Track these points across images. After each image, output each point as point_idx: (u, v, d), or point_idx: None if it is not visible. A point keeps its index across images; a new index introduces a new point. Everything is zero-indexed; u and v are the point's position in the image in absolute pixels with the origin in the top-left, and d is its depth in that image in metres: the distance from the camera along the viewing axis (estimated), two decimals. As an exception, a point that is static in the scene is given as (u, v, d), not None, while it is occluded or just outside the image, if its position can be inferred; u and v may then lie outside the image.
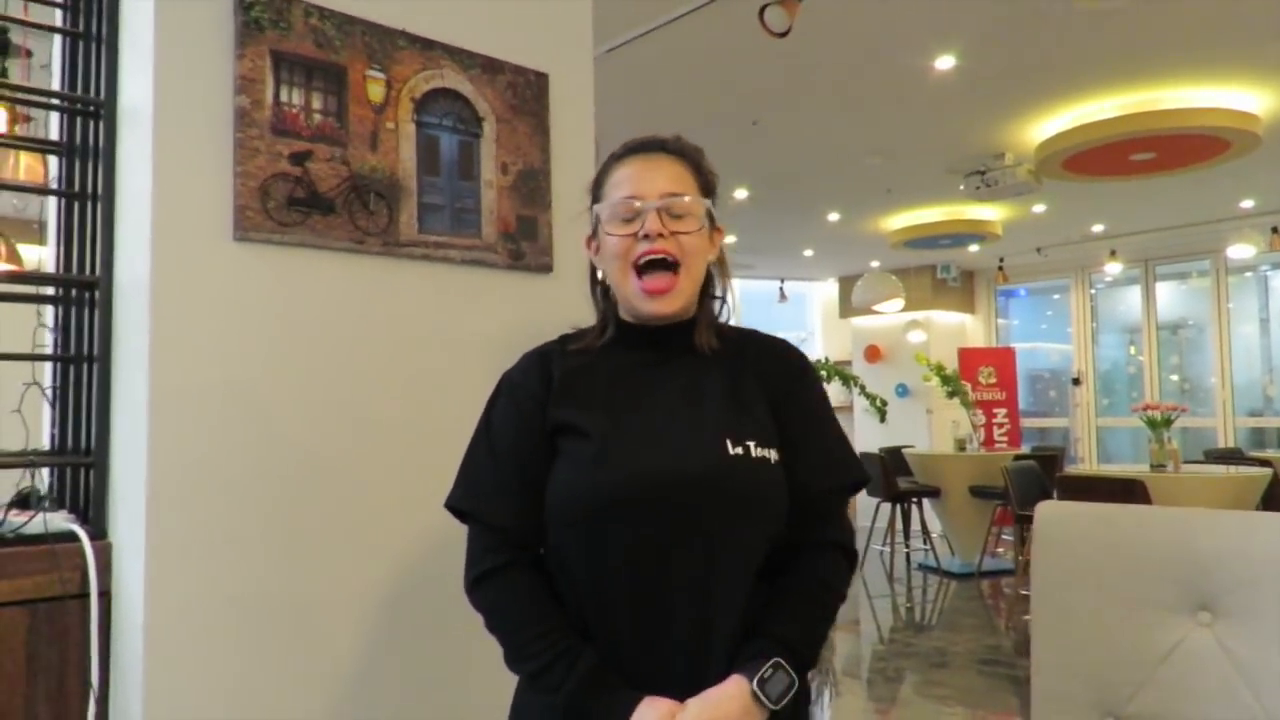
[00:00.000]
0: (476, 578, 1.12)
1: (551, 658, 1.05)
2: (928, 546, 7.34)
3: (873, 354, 9.80)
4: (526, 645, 1.07)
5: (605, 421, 1.10)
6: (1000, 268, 9.01)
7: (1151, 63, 4.29)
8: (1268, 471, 5.26)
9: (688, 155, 1.19)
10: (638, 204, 1.13)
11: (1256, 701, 1.06)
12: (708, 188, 1.20)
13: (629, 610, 1.06)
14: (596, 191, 1.20)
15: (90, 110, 1.56)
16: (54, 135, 1.63)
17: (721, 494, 1.06)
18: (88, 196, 1.55)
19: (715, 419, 1.11)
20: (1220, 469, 5.60)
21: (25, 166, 2.46)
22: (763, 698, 1.00)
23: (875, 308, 8.26)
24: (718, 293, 1.23)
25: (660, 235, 1.11)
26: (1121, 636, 1.17)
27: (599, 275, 1.21)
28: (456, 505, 1.15)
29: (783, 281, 10.06)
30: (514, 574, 1.11)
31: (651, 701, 1.01)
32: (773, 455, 1.10)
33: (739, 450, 1.07)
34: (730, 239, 8.08)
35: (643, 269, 1.12)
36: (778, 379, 1.17)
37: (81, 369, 1.53)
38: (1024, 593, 5.33)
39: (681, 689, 1.02)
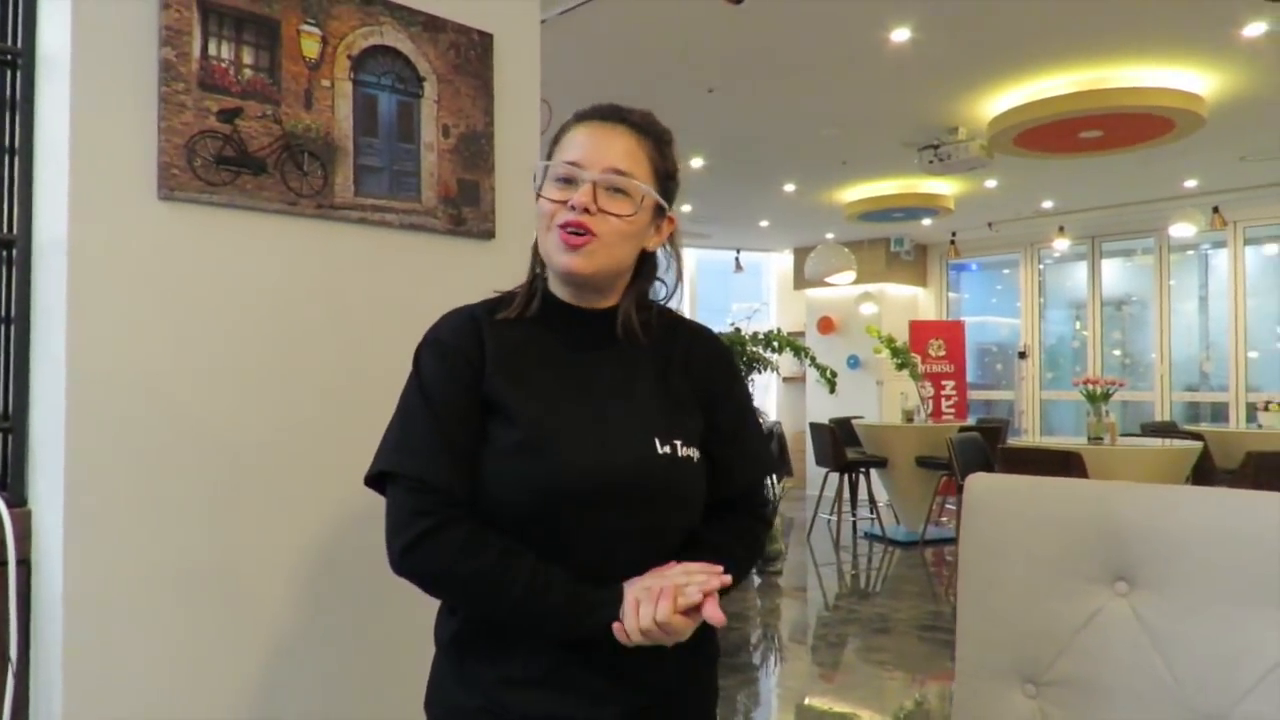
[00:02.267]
0: (409, 543, 1.02)
1: (528, 576, 1.00)
2: (874, 515, 7.48)
3: (825, 325, 9.89)
4: (497, 579, 1.00)
5: (536, 409, 1.06)
6: (952, 242, 9.13)
7: (1103, 40, 4.34)
8: (1198, 445, 5.44)
9: (649, 134, 1.13)
10: (577, 172, 1.08)
11: (1167, 669, 1.10)
12: (665, 174, 1.14)
13: None
14: (551, 150, 1.15)
15: (7, 59, 1.48)
16: (-33, 84, 1.55)
17: (646, 493, 1.06)
18: (4, 150, 1.48)
19: (644, 416, 1.10)
20: (1154, 442, 5.77)
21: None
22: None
23: (828, 280, 8.32)
24: (662, 276, 1.19)
25: (586, 210, 1.06)
26: (1043, 606, 1.20)
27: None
28: (382, 468, 1.05)
29: (739, 252, 10.08)
30: (454, 530, 1.02)
31: (629, 582, 1.02)
32: (695, 454, 1.11)
33: (666, 449, 1.08)
34: (686, 208, 8.06)
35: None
36: (709, 377, 1.18)
37: (-1, 330, 1.48)
38: (965, 560, 5.46)
39: (603, 653, 1.03)
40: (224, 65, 1.43)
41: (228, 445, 1.44)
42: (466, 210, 1.72)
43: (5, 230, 1.47)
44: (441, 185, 1.69)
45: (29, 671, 1.36)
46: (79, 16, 1.33)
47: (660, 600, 0.98)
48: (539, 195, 1.11)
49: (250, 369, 1.47)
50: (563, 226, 1.07)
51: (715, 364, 1.21)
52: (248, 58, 1.46)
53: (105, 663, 1.32)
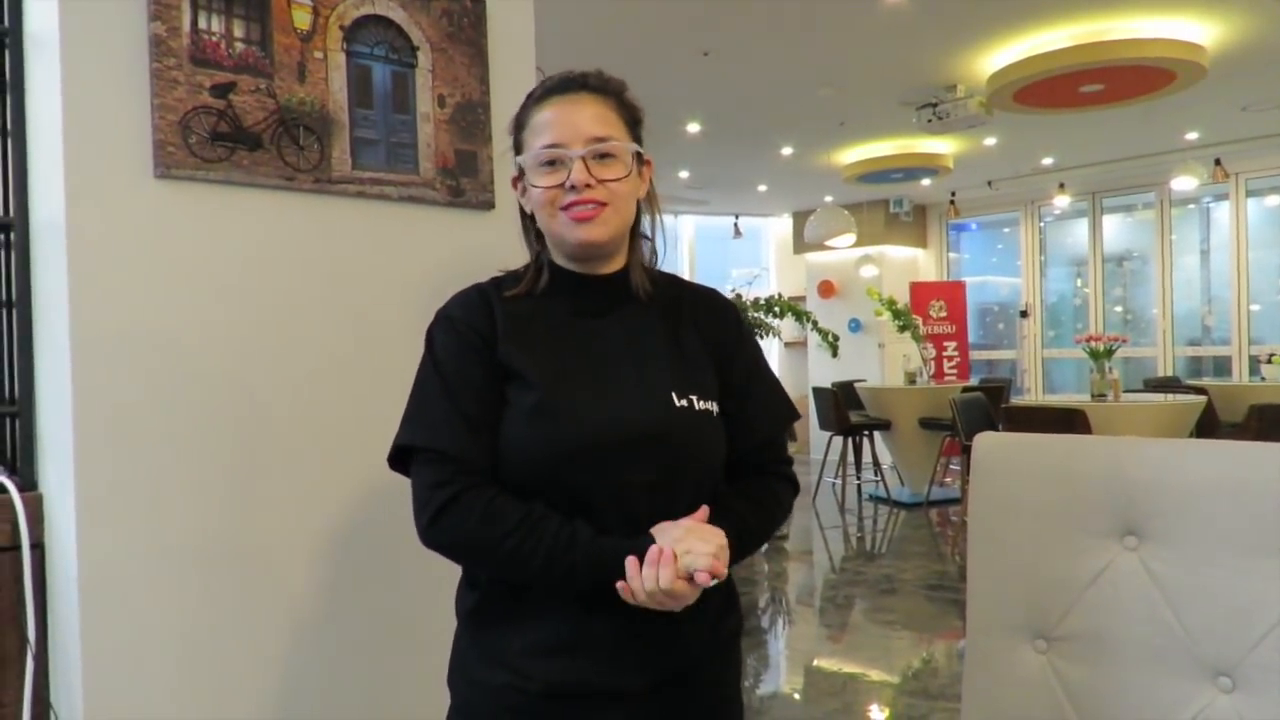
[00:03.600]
0: (433, 515, 1.02)
1: (553, 534, 1.00)
2: (878, 478, 7.52)
3: (826, 289, 9.87)
4: (520, 541, 1.00)
5: (552, 373, 1.07)
6: (952, 202, 9.07)
7: (1102, -8, 4.29)
8: (1202, 399, 5.45)
9: (610, 91, 1.13)
10: (562, 153, 1.08)
11: (1176, 619, 1.10)
12: (633, 121, 1.15)
13: None
14: (518, 135, 1.15)
15: (-7, 39, 1.46)
16: (-45, 66, 1.53)
17: (668, 447, 1.07)
18: (-4, 132, 1.47)
19: (661, 372, 1.11)
20: (1158, 397, 5.78)
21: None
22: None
23: (828, 243, 8.29)
24: (646, 232, 1.19)
25: (588, 185, 1.07)
26: (1053, 562, 1.20)
27: (529, 213, 1.17)
28: (403, 443, 1.06)
29: (737, 217, 10.03)
30: (474, 497, 1.02)
31: (656, 527, 1.03)
32: (714, 408, 1.12)
33: (684, 403, 1.09)
34: (683, 174, 8.01)
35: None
36: (718, 333, 1.19)
37: (1, 314, 1.47)
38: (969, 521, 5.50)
39: (626, 620, 1.03)
40: (215, 39, 1.41)
41: (233, 422, 1.44)
42: (465, 181, 1.71)
43: (2, 213, 1.45)
44: (439, 156, 1.67)
45: (47, 653, 1.37)
46: (66, -7, 1.31)
47: (662, 566, 0.97)
48: (530, 186, 1.11)
49: (253, 346, 1.47)
50: (567, 208, 1.08)
51: (723, 320, 1.22)
52: (239, 31, 1.44)
53: (122, 643, 1.33)
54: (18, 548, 1.35)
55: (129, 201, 1.35)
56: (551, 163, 1.09)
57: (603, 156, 1.09)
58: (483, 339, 1.09)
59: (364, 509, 1.58)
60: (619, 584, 0.98)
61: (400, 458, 1.09)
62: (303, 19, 1.51)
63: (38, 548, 1.37)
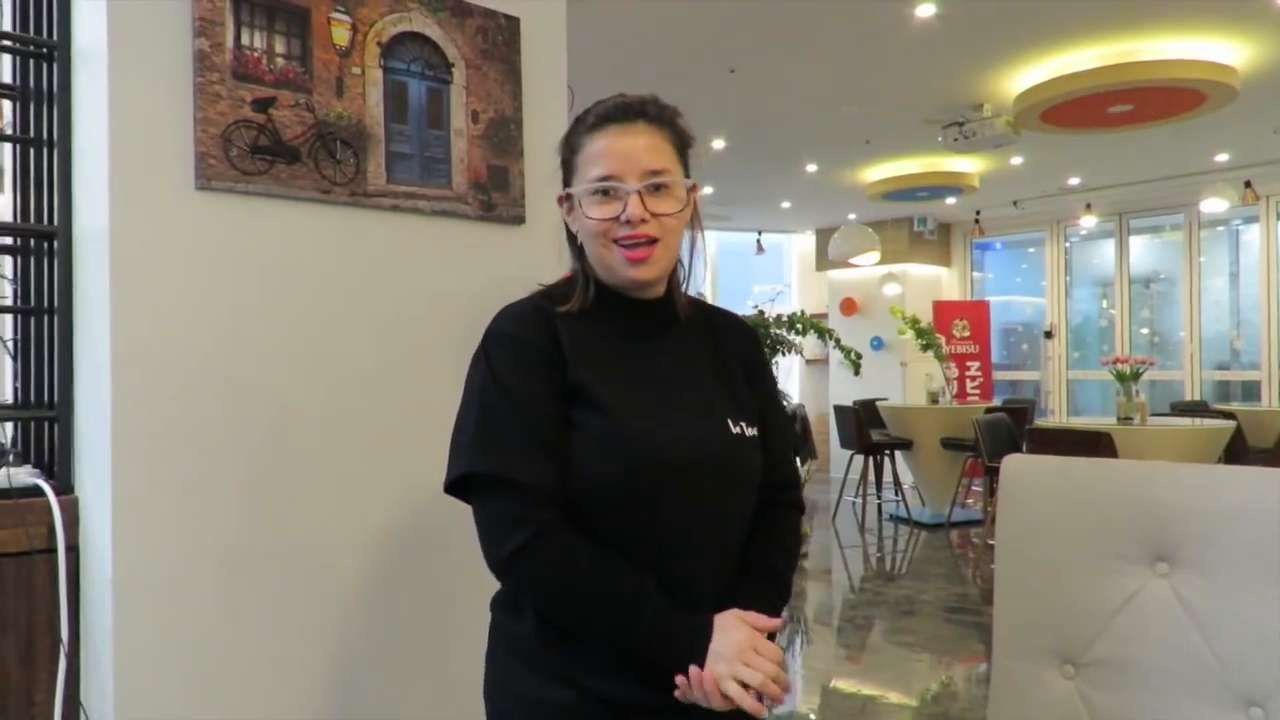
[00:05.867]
0: (514, 551, 1.00)
1: (624, 601, 1.01)
2: (899, 497, 7.46)
3: (848, 307, 9.83)
4: (594, 602, 1.01)
5: (621, 397, 1.07)
6: (977, 221, 9.02)
7: (1132, 12, 4.26)
8: (1231, 424, 5.37)
9: (666, 121, 1.12)
10: (618, 185, 1.07)
11: (1208, 647, 1.09)
12: (684, 148, 1.14)
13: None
14: (570, 158, 1.13)
15: (43, 52, 1.50)
16: (5, 78, 1.57)
17: (728, 472, 1.10)
18: (43, 143, 1.51)
19: (715, 398, 1.14)
20: (1185, 422, 5.70)
21: (-22, 110, 2.38)
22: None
23: (851, 260, 8.26)
24: (683, 254, 1.19)
25: (643, 220, 1.07)
26: (1081, 586, 1.19)
27: (575, 231, 1.16)
28: (473, 470, 1.02)
29: (760, 233, 10.02)
30: (553, 537, 1.01)
31: (721, 617, 1.04)
32: (755, 433, 1.15)
33: (737, 430, 1.12)
34: (707, 190, 8.02)
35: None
36: (748, 358, 1.23)
37: (42, 321, 1.50)
38: (992, 543, 5.44)
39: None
40: (257, 55, 1.44)
41: (268, 431, 1.47)
42: (496, 195, 1.73)
43: (46, 222, 1.49)
44: (471, 171, 1.70)
45: (79, 654, 1.39)
46: (114, 9, 1.34)
47: (707, 690, 0.99)
48: (584, 216, 1.10)
49: (286, 355, 1.49)
50: (620, 241, 1.08)
51: (750, 344, 1.26)
52: (280, 47, 1.47)
53: (154, 644, 1.35)
54: (53, 550, 1.37)
55: (170, 212, 1.38)
56: (605, 192, 1.08)
57: (657, 189, 1.09)
58: (549, 361, 1.07)
59: (394, 518, 1.59)
60: (678, 678, 1.01)
61: (461, 483, 1.05)
62: (342, 36, 1.54)
63: (72, 550, 1.40)
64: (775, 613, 1.11)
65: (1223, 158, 6.99)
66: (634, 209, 1.07)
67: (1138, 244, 8.89)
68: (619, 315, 1.14)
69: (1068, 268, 9.27)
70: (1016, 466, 1.29)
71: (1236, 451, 5.43)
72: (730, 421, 1.12)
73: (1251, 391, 7.97)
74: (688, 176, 1.15)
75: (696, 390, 1.13)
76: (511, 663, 1.10)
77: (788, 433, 1.27)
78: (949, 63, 4.85)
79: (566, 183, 1.15)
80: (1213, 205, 6.98)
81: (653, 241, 1.08)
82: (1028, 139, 5.91)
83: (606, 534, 1.05)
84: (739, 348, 1.22)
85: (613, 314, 1.14)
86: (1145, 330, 8.87)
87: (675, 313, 1.18)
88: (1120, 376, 5.49)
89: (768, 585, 1.13)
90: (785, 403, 6.12)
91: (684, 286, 1.22)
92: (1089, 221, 8.41)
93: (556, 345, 1.08)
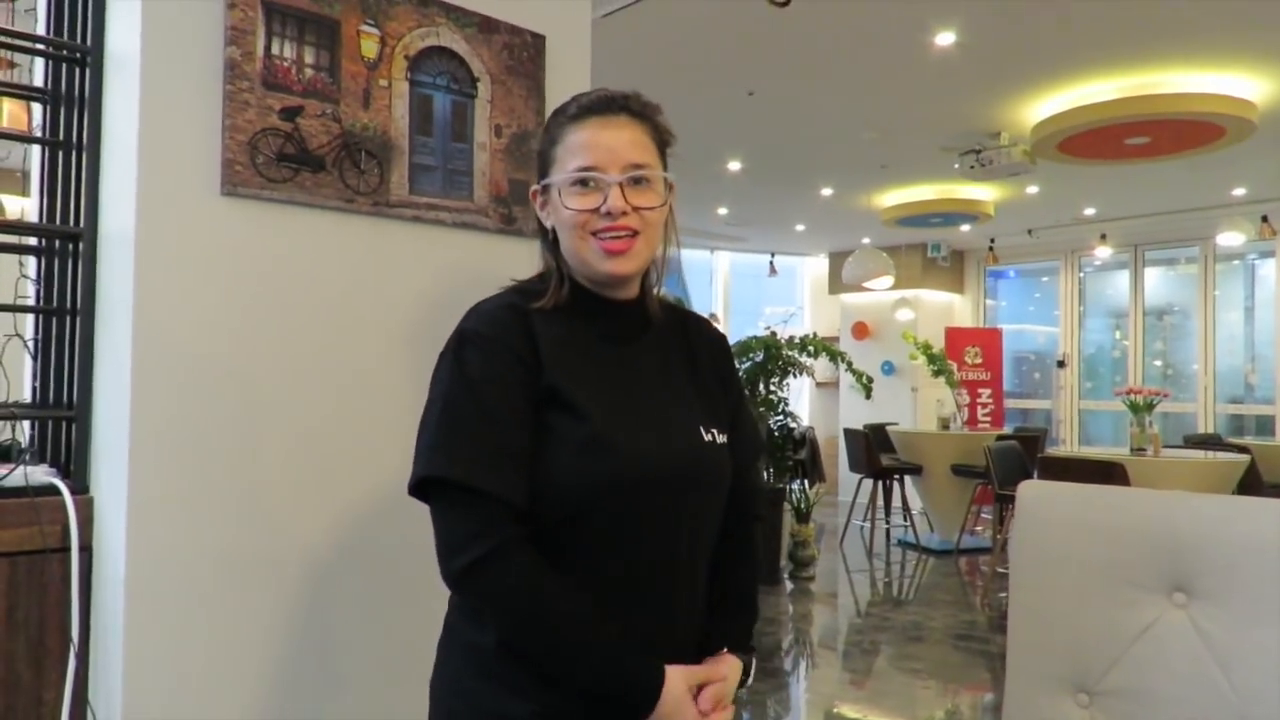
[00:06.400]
0: (467, 567, 0.97)
1: (577, 631, 0.99)
2: (908, 523, 7.42)
3: (860, 331, 9.83)
4: (547, 627, 0.99)
5: (599, 403, 1.05)
6: (991, 248, 9.02)
7: (1151, 45, 4.28)
8: (1245, 458, 5.32)
9: (648, 117, 1.11)
10: (599, 177, 1.06)
11: (1225, 679, 1.08)
12: (664, 145, 1.13)
13: (627, 592, 1.05)
14: (549, 150, 1.12)
15: (76, 57, 1.53)
16: (38, 82, 1.60)
17: (701, 481, 1.10)
18: (72, 146, 1.53)
19: (690, 405, 1.13)
20: (1199, 454, 5.66)
21: (8, 114, 2.42)
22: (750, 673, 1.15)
23: (865, 285, 8.26)
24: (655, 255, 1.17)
25: (624, 213, 1.06)
26: (1097, 615, 1.18)
27: (549, 227, 1.15)
28: (432, 474, 0.99)
29: (773, 255, 10.04)
30: (515, 554, 0.98)
31: (671, 669, 1.03)
32: (726, 439, 1.15)
33: (709, 437, 1.11)
34: (722, 210, 8.05)
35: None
36: (718, 363, 1.23)
37: (64, 321, 1.52)
38: (1000, 570, 5.40)
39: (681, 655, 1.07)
40: (286, 64, 1.46)
41: (285, 436, 1.47)
42: (517, 209, 1.74)
43: (73, 223, 1.51)
44: (493, 184, 1.71)
45: (89, 653, 1.40)
46: (148, 16, 1.36)
47: None
48: (552, 199, 1.11)
49: (305, 362, 1.50)
50: (598, 233, 1.07)
51: (721, 349, 1.25)
52: (309, 57, 1.49)
53: (164, 645, 1.35)
54: (67, 549, 1.38)
55: (195, 217, 1.40)
56: (585, 183, 1.07)
57: (638, 182, 1.08)
58: (523, 364, 1.04)
59: (409, 525, 1.59)
60: None
61: (422, 487, 1.02)
62: (370, 48, 1.56)
63: (86, 550, 1.40)
64: (747, 646, 1.16)
65: (1239, 191, 6.98)
66: (615, 200, 1.05)
67: (1152, 276, 8.86)
68: (595, 316, 1.12)
69: (1082, 297, 9.25)
70: (1033, 493, 1.28)
71: (1250, 486, 5.38)
72: (703, 429, 1.11)
73: (1265, 426, 7.90)
74: (668, 181, 1.13)
75: (673, 396, 1.12)
76: (468, 672, 1.08)
77: (754, 439, 1.25)
78: (967, 91, 4.87)
79: (543, 174, 1.14)
80: (1229, 239, 6.97)
81: (633, 234, 1.07)
82: (1044, 168, 5.91)
83: (569, 543, 1.02)
84: (711, 352, 1.22)
85: (589, 315, 1.12)
86: (1159, 362, 8.82)
87: (650, 315, 1.16)
88: (1134, 407, 5.46)
89: (744, 620, 1.18)
90: (794, 425, 6.10)
91: (657, 290, 1.20)
92: (1104, 252, 8.40)
93: (532, 347, 1.05)
